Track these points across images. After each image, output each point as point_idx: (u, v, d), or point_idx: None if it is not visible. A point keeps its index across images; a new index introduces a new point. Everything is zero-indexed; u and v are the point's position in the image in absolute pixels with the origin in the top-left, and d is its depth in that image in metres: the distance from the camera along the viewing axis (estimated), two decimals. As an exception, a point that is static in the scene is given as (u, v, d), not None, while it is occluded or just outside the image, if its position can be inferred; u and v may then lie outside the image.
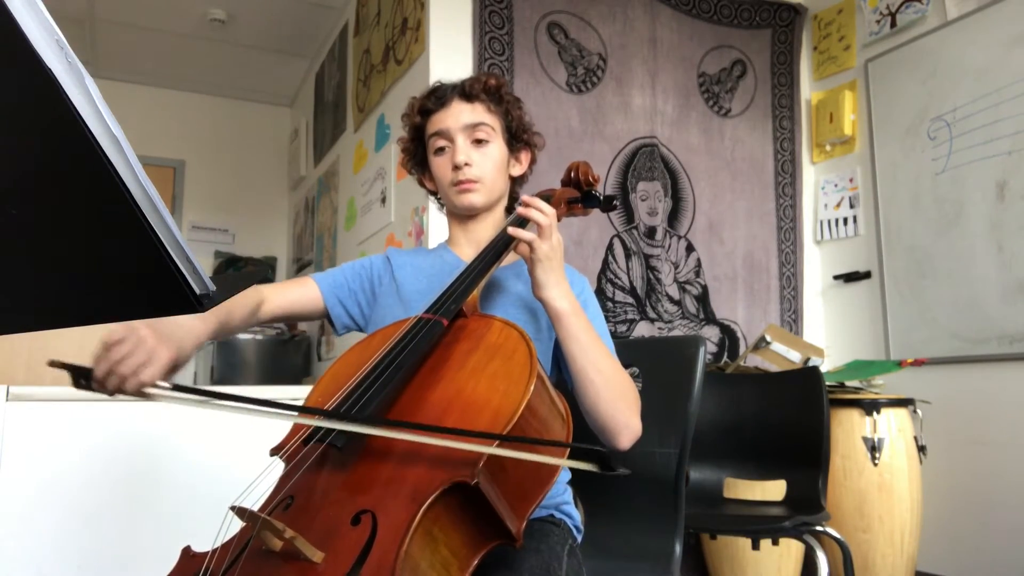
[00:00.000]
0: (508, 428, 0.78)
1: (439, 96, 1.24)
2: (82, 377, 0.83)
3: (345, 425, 0.78)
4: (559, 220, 1.16)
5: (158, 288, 0.49)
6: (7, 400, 1.59)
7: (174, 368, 0.87)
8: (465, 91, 1.22)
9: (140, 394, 0.83)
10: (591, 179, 1.23)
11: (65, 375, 0.84)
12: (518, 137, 1.27)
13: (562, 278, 1.06)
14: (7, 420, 1.58)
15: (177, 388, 0.83)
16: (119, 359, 0.82)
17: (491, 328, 0.95)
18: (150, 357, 0.84)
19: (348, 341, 1.24)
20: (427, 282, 1.21)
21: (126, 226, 0.46)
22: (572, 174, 1.25)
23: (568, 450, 0.84)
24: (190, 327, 0.96)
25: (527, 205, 1.05)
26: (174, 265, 0.48)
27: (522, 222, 1.07)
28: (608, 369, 1.06)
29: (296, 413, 0.84)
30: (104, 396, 0.84)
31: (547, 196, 1.21)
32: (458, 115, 1.21)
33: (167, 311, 0.55)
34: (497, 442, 0.76)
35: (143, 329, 0.85)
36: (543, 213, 1.03)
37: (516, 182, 1.31)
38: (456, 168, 1.19)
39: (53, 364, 0.80)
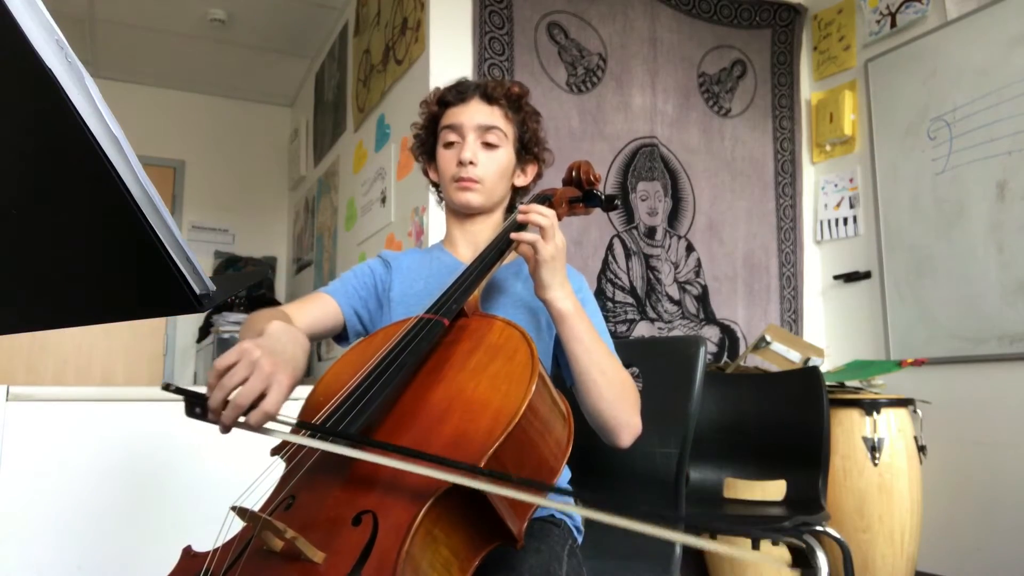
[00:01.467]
0: (509, 430, 0.78)
1: (461, 91, 1.24)
2: (197, 406, 0.75)
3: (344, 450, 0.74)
4: (560, 219, 1.16)
5: (158, 288, 0.49)
6: (7, 400, 1.58)
7: (293, 389, 0.80)
8: (487, 92, 1.22)
9: (262, 429, 0.75)
10: (592, 178, 1.23)
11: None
12: (529, 149, 1.27)
13: (565, 279, 1.06)
14: (7, 420, 1.58)
15: (302, 425, 0.76)
16: (234, 386, 0.74)
17: (492, 328, 0.95)
18: (269, 383, 0.75)
19: (348, 341, 1.24)
20: (424, 284, 1.21)
21: (126, 226, 0.46)
22: (573, 173, 1.25)
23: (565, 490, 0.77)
24: (297, 340, 0.89)
25: (526, 212, 1.05)
26: (174, 265, 0.48)
27: (521, 227, 1.07)
28: (610, 369, 1.06)
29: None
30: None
31: (548, 196, 1.21)
32: (474, 113, 1.21)
33: (167, 311, 0.55)
34: (488, 469, 0.72)
35: (255, 351, 0.77)
36: (543, 215, 1.04)
37: (518, 192, 1.31)
38: (460, 164, 1.19)
39: (168, 389, 0.73)
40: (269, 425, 0.76)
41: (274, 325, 0.89)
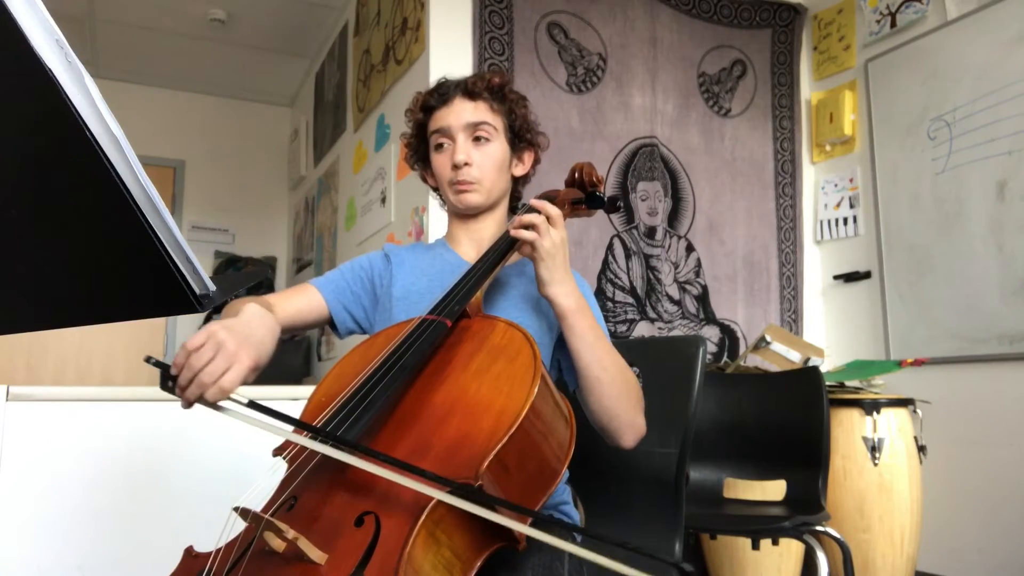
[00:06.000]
0: (511, 431, 0.78)
1: (442, 93, 1.23)
2: (170, 379, 0.80)
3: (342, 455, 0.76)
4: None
5: (158, 288, 0.49)
6: (7, 400, 1.58)
7: (256, 371, 0.85)
8: (468, 89, 1.21)
9: (215, 406, 0.80)
10: (595, 180, 1.23)
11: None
12: (521, 136, 1.26)
13: (567, 276, 1.06)
14: (7, 420, 1.58)
15: (252, 405, 0.79)
16: (201, 366, 0.79)
17: (495, 329, 0.95)
18: (231, 363, 0.80)
19: (350, 341, 1.23)
20: (427, 282, 1.20)
21: (126, 226, 0.46)
22: (576, 175, 1.25)
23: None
24: (265, 323, 0.93)
25: (530, 210, 1.04)
26: (174, 265, 0.48)
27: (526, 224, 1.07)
28: (613, 367, 1.06)
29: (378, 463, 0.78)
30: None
31: (551, 197, 1.21)
32: (460, 113, 1.20)
33: (167, 311, 0.54)
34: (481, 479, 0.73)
35: (221, 333, 0.82)
36: (540, 212, 1.03)
37: (519, 182, 1.30)
38: (455, 167, 1.19)
39: (149, 361, 0.79)
40: (229, 405, 0.81)
41: (248, 308, 0.95)
